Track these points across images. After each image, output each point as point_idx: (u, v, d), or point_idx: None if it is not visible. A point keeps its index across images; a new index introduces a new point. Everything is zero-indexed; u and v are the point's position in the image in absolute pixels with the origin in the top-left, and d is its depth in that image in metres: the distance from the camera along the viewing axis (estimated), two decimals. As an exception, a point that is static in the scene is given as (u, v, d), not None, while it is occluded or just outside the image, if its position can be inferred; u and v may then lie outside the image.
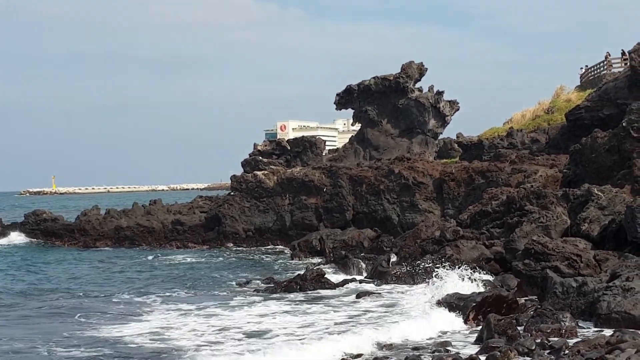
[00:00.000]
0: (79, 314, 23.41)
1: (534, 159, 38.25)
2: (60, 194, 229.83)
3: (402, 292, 25.42)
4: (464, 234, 29.24)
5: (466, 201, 38.80)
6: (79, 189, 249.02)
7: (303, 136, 50.22)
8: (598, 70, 58.93)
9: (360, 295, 24.83)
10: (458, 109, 46.76)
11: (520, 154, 39.73)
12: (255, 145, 50.85)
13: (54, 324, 22.19)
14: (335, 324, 20.53)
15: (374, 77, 45.24)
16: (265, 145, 50.30)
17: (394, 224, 41.34)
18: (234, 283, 30.20)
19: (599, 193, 26.53)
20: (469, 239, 27.77)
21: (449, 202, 40.10)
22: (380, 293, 25.27)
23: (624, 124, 30.25)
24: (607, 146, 30.83)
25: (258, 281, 30.04)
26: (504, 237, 27.60)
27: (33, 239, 52.16)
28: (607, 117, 36.25)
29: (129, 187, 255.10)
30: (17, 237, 53.02)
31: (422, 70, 45.22)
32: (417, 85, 45.84)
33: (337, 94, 47.20)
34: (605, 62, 57.99)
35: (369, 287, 26.79)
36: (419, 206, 40.92)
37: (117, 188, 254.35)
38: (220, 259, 40.66)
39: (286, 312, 22.70)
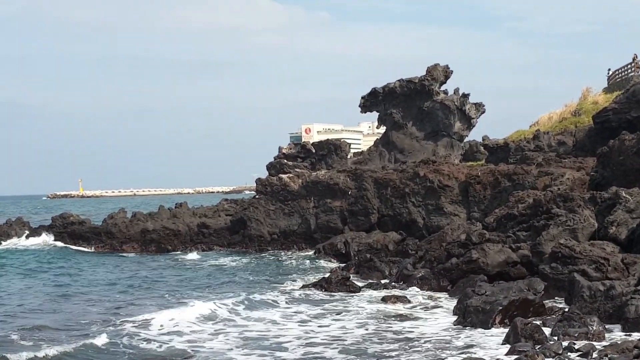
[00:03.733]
0: (102, 316, 23.51)
1: (561, 161, 37.86)
2: (88, 197, 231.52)
3: (428, 298, 25.40)
4: (490, 237, 29.00)
5: (492, 204, 38.48)
6: (106, 192, 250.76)
7: (328, 139, 50.11)
8: (625, 72, 58.40)
9: (386, 299, 24.76)
10: (484, 112, 46.48)
11: (547, 156, 39.38)
12: (280, 148, 50.90)
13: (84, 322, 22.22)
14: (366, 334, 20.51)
15: (399, 80, 45.10)
16: (290, 149, 50.27)
17: (419, 227, 41.13)
18: (259, 285, 30.22)
19: (627, 196, 26.26)
20: (495, 242, 27.55)
21: (475, 205, 39.81)
22: (405, 297, 25.16)
23: (652, 126, 29.94)
24: (635, 149, 30.48)
25: (283, 284, 30.05)
26: (531, 241, 27.37)
27: (60, 242, 52.44)
28: (635, 119, 35.86)
29: (155, 190, 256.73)
30: (45, 239, 53.28)
31: (447, 73, 44.99)
32: (443, 87, 45.63)
33: (362, 97, 47.08)
34: (632, 64, 57.48)
35: (395, 291, 26.74)
36: (445, 209, 40.68)
37: (143, 191, 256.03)
38: (246, 261, 40.72)
39: (313, 316, 22.71)
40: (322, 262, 38.38)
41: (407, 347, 17.95)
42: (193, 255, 44.41)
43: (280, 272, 34.98)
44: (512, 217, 30.40)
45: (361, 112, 47.56)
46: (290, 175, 47.98)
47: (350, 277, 29.07)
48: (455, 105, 44.76)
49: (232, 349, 18.54)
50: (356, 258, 35.98)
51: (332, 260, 38.80)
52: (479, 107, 45.62)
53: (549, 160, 38.39)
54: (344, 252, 39.22)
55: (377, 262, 32.61)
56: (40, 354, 17.48)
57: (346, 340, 19.08)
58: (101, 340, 18.95)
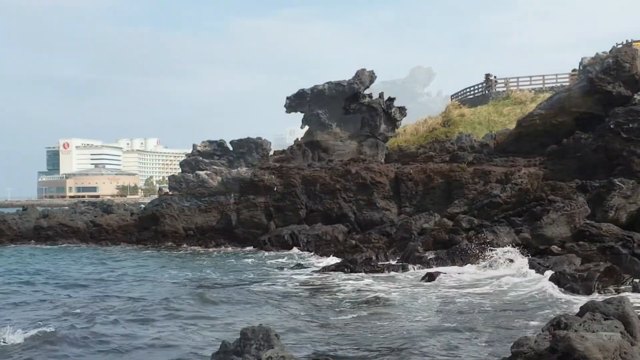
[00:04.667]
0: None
1: (492, 160, 41.62)
2: None
3: (460, 273, 27.58)
4: (481, 222, 31.95)
5: (424, 200, 41.46)
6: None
7: (248, 137, 50.89)
8: (479, 90, 65.20)
9: (432, 275, 26.55)
10: (406, 115, 49.49)
11: (477, 156, 42.99)
12: (194, 145, 50.90)
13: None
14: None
15: (327, 82, 46.92)
16: (205, 146, 50.50)
17: (351, 220, 42.98)
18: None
19: (621, 184, 30.14)
20: (502, 225, 30.46)
21: (407, 200, 42.38)
22: (446, 273, 27.16)
23: (611, 125, 34.26)
24: (594, 146, 34.67)
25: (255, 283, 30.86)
26: (527, 225, 30.47)
27: None
28: (560, 123, 40.19)
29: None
30: None
31: (372, 78, 47.46)
32: (367, 92, 47.90)
33: (288, 97, 48.28)
34: (487, 83, 64.22)
35: (432, 270, 28.62)
36: (377, 204, 42.92)
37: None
38: (164, 259, 38.26)
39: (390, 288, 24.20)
40: (269, 253, 38.99)
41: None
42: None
43: (234, 266, 34.68)
44: (496, 205, 33.48)
45: (286, 112, 48.63)
46: (208, 172, 48.25)
47: (372, 257, 30.70)
48: (382, 107, 47.33)
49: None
50: (306, 247, 37.94)
51: (279, 250, 39.68)
52: (403, 111, 48.51)
53: (480, 159, 42.03)
54: (291, 242, 40.54)
55: (363, 247, 34.34)
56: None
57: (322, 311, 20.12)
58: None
